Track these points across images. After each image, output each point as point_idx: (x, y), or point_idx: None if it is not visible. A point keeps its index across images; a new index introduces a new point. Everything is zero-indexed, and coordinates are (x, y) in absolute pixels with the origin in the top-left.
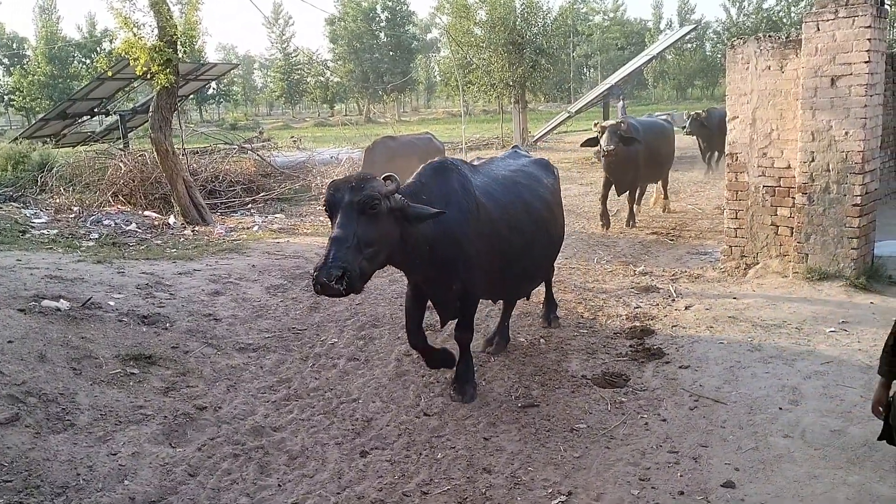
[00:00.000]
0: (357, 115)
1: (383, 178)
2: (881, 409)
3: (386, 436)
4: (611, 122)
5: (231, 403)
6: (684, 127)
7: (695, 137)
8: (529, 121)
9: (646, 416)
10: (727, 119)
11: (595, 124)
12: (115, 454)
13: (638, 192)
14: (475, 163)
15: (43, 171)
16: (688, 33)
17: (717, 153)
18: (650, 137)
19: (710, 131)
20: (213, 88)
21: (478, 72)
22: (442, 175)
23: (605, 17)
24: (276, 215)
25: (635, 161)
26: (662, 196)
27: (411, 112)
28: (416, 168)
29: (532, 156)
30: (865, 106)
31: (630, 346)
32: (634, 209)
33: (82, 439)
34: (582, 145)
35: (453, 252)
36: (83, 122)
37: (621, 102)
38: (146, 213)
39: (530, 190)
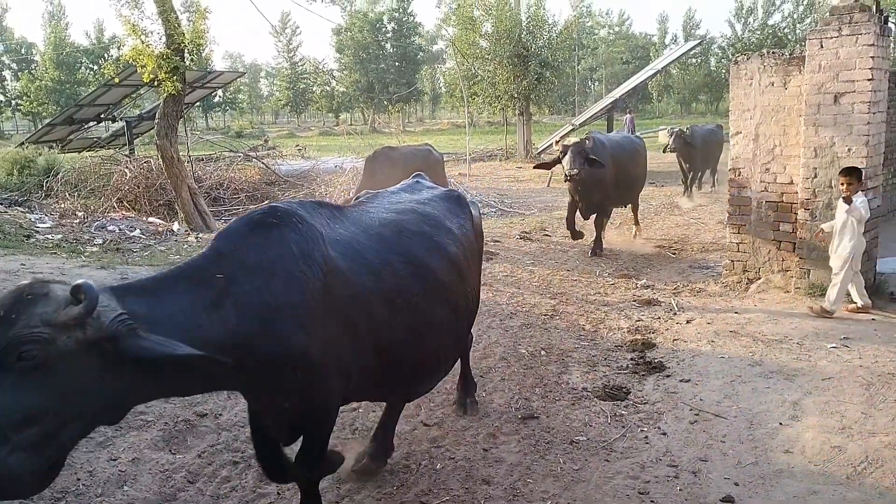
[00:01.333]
0: (362, 125)
1: (72, 291)
2: None
3: None
4: (574, 140)
5: (231, 411)
6: (668, 145)
7: (676, 156)
8: (534, 133)
9: (646, 429)
10: (730, 134)
11: (556, 142)
12: (114, 460)
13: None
14: (358, 200)
15: (48, 176)
16: (692, 48)
17: (700, 173)
18: (621, 156)
19: (694, 149)
20: (220, 96)
21: (483, 83)
22: (263, 235)
23: (611, 31)
24: None
25: (604, 182)
26: (634, 222)
27: (416, 122)
28: None
29: (438, 188)
30: (868, 123)
31: (631, 358)
32: (602, 236)
33: (82, 444)
34: (536, 167)
35: (278, 353)
36: (89, 127)
37: (628, 115)
38: (150, 219)
39: (426, 241)
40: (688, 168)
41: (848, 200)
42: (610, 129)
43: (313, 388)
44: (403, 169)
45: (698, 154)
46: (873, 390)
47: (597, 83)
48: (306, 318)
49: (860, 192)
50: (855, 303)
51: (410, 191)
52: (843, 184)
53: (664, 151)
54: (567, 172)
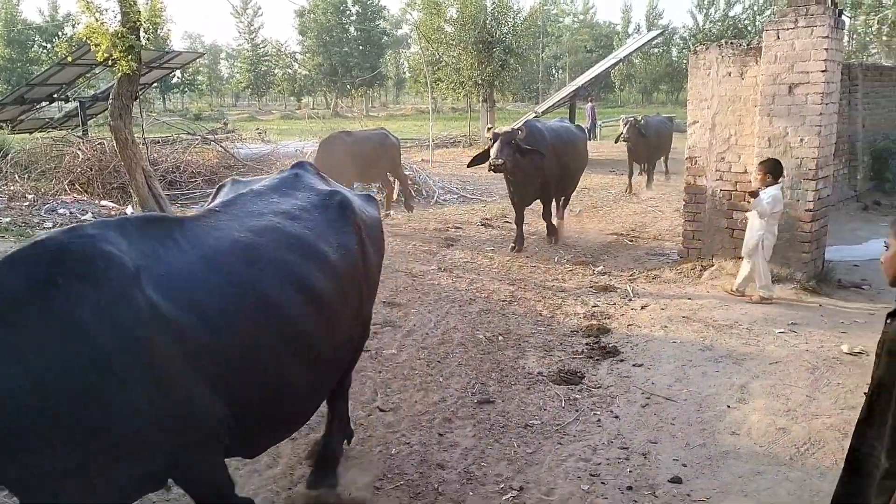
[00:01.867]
0: (324, 109)
1: None
2: None
3: None
4: (505, 129)
5: None
6: (622, 135)
7: (627, 146)
8: (497, 119)
9: (599, 412)
10: (688, 124)
11: (488, 129)
12: None
13: (562, 201)
14: (213, 201)
15: None
16: (654, 38)
17: (652, 164)
18: (561, 146)
19: (647, 140)
20: (178, 77)
21: (447, 69)
22: (28, 314)
23: (575, 20)
24: None
25: (541, 173)
26: (560, 212)
27: (380, 107)
28: (372, 164)
29: (319, 187)
30: (821, 114)
31: (586, 343)
32: (557, 224)
33: None
34: (469, 165)
35: (64, 433)
36: (41, 108)
37: (590, 104)
38: (103, 202)
39: (286, 274)
40: (640, 158)
41: (754, 194)
42: (572, 117)
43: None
44: (359, 154)
45: (651, 145)
46: (818, 374)
47: (561, 71)
48: (113, 379)
49: (775, 186)
50: (737, 288)
51: (282, 192)
52: (758, 176)
53: (617, 141)
54: (492, 161)
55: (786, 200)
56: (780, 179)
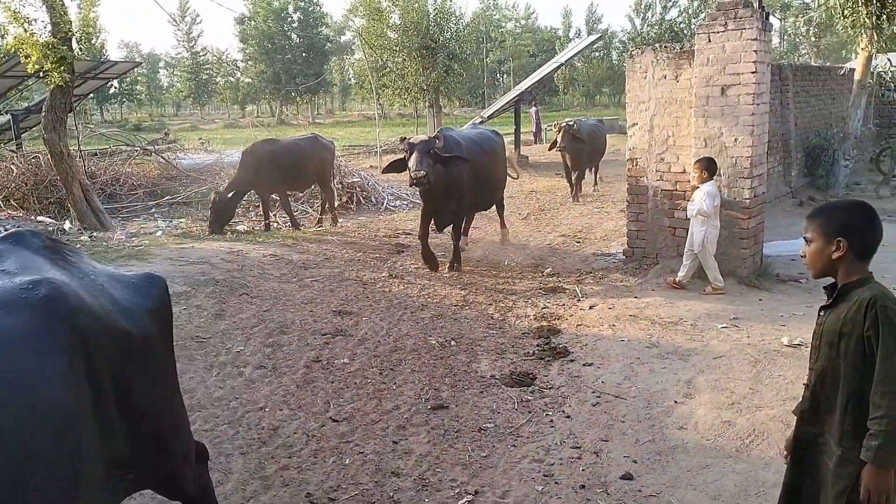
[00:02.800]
0: (269, 117)
1: None
2: None
3: (293, 444)
4: (421, 137)
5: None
6: (556, 142)
7: (561, 153)
8: (444, 124)
9: (551, 413)
10: (627, 125)
11: (401, 139)
12: None
13: (466, 221)
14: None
15: None
16: (594, 42)
17: (587, 169)
18: (478, 154)
19: (583, 145)
20: (115, 87)
21: (392, 75)
22: None
23: (518, 24)
24: (181, 220)
25: (459, 185)
26: (500, 225)
27: (326, 114)
28: (299, 173)
29: (30, 269)
30: (753, 114)
31: (537, 345)
32: (460, 245)
33: None
34: (384, 171)
35: None
36: None
37: (534, 108)
38: (39, 218)
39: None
40: (572, 166)
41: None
42: (517, 121)
43: None
44: (283, 164)
45: (585, 150)
46: (760, 367)
47: (505, 75)
48: None
49: (709, 182)
50: (679, 280)
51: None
52: (695, 174)
53: (550, 149)
54: (412, 174)
55: (724, 198)
56: (715, 176)
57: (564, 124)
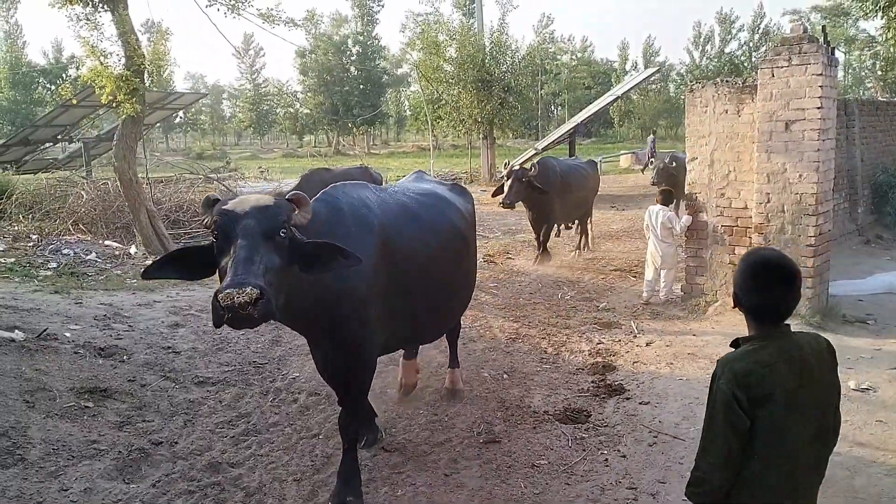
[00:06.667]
0: (326, 147)
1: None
2: None
3: None
4: (518, 166)
5: (188, 438)
6: (503, 201)
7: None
8: (497, 156)
9: (606, 452)
10: (687, 160)
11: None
12: (66, 490)
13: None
14: None
15: (2, 198)
16: (651, 75)
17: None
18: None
19: (542, 192)
20: (181, 117)
21: (447, 107)
22: None
23: (573, 57)
24: None
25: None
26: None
27: (381, 145)
28: None
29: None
30: (818, 150)
31: (592, 381)
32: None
33: (33, 474)
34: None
35: None
36: (45, 148)
37: (651, 137)
38: (107, 242)
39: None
40: (535, 217)
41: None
42: (572, 152)
43: None
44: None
45: (555, 199)
46: None
47: (560, 108)
48: None
49: (667, 209)
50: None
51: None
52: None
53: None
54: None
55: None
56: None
57: (531, 164)
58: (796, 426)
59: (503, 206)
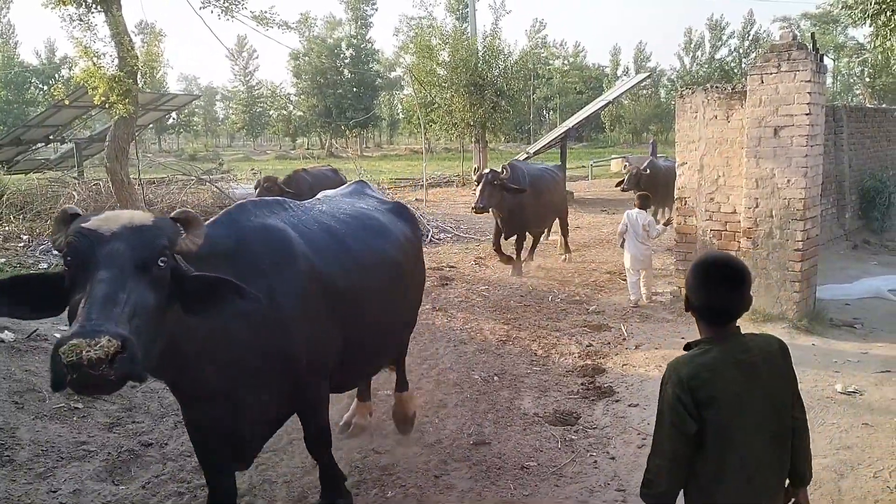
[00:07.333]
0: (319, 150)
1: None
2: None
3: None
4: (487, 169)
5: (178, 440)
6: (475, 206)
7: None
8: (490, 159)
9: (595, 454)
10: (677, 165)
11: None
12: (55, 491)
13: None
14: None
15: None
16: (642, 80)
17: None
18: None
19: (519, 191)
20: (174, 119)
21: (439, 111)
22: None
23: (565, 62)
24: None
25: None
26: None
27: (374, 148)
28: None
29: None
30: (806, 155)
31: (582, 384)
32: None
33: (22, 476)
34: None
35: None
36: (37, 149)
37: (652, 140)
38: None
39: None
40: (505, 220)
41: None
42: (563, 157)
43: None
44: (312, 191)
45: (528, 208)
46: (812, 414)
47: (552, 112)
48: None
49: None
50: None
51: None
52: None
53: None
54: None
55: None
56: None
57: (503, 167)
58: (747, 428)
59: (475, 212)
